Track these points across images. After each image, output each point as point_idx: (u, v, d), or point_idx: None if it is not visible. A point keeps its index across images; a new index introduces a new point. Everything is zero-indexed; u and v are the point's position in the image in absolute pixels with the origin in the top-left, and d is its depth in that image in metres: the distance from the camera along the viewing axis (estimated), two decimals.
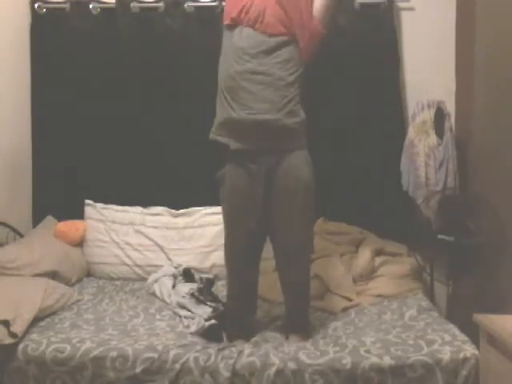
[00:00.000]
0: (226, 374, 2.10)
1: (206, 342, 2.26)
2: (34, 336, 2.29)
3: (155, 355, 2.16)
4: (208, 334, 2.29)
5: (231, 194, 2.36)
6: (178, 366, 2.13)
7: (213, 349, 2.20)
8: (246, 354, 2.16)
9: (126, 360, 2.16)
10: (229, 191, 2.37)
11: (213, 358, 2.14)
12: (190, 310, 2.57)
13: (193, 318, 2.48)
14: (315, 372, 2.08)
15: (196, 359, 2.14)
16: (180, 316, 2.57)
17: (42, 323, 2.44)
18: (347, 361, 2.09)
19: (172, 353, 2.17)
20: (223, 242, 2.42)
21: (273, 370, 2.09)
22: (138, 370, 2.14)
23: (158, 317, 2.62)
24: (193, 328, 2.37)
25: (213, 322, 2.32)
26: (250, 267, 2.44)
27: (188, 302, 2.63)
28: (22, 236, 3.16)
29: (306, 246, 2.40)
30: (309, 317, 2.49)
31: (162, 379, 2.13)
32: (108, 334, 2.34)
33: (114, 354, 2.17)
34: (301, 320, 2.44)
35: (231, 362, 2.12)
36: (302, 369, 2.09)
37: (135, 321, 2.55)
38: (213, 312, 2.44)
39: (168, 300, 2.76)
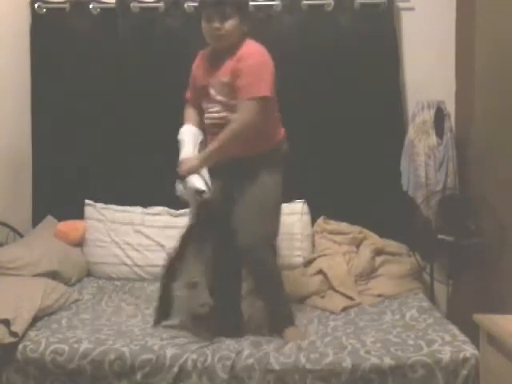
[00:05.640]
0: (223, 376, 2.09)
1: (197, 335, 2.25)
2: (32, 336, 2.30)
3: (153, 356, 2.15)
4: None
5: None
6: (175, 369, 2.13)
7: (208, 349, 2.19)
8: (244, 355, 2.15)
9: (124, 363, 2.16)
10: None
11: (209, 359, 2.14)
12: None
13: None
14: (315, 374, 2.07)
15: (194, 361, 2.14)
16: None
17: (41, 323, 2.44)
18: (347, 363, 2.08)
19: (169, 354, 2.16)
20: None
21: (272, 372, 2.08)
22: (136, 372, 2.14)
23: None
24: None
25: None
26: None
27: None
28: (21, 236, 3.17)
29: None
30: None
31: (160, 381, 2.13)
32: (104, 334, 2.33)
33: (111, 356, 2.17)
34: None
35: (229, 363, 2.11)
36: (302, 371, 2.08)
37: (133, 321, 2.54)
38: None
39: None
